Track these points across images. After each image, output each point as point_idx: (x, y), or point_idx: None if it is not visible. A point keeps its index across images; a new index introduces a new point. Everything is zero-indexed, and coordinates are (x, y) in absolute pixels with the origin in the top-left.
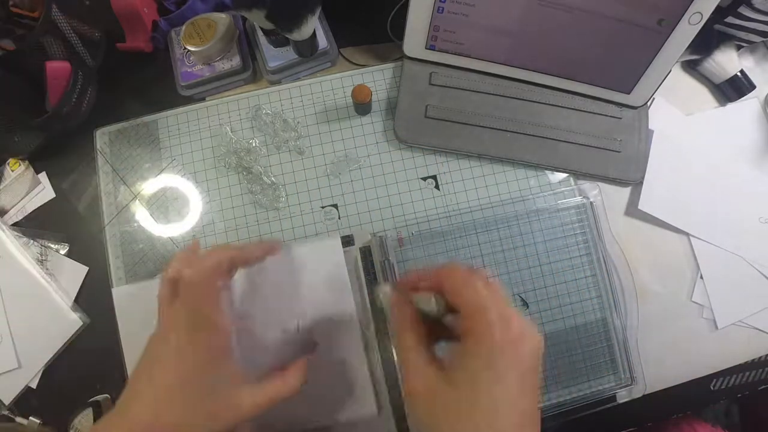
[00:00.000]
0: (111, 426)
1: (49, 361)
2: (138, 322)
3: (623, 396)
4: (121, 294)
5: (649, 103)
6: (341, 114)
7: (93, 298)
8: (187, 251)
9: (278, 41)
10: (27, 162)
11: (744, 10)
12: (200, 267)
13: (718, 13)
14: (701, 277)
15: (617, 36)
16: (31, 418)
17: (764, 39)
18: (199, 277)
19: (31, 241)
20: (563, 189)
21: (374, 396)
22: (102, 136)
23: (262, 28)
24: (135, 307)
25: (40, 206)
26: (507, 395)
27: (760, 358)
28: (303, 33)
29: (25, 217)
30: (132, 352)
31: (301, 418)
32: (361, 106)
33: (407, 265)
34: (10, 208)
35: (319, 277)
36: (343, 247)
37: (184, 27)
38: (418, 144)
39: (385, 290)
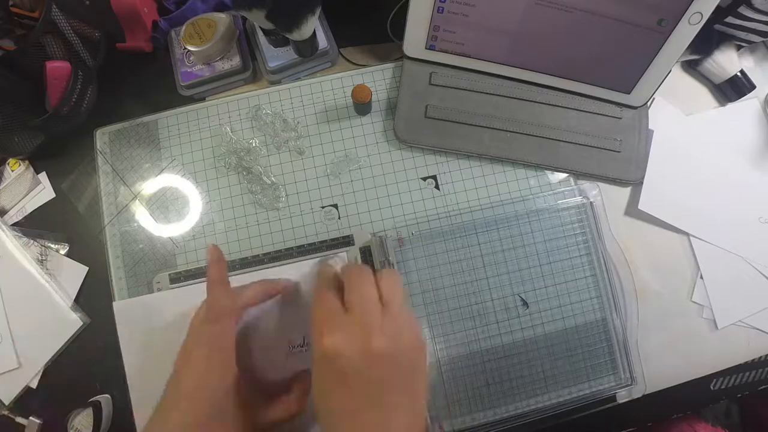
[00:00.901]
0: None
1: (49, 361)
2: (139, 335)
3: (623, 396)
4: (122, 308)
5: (649, 103)
6: (341, 114)
7: (93, 298)
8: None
9: (278, 41)
10: (27, 162)
11: (744, 10)
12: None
13: (718, 13)
14: (701, 277)
15: (617, 36)
16: (31, 417)
17: (764, 39)
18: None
19: (31, 241)
20: (563, 189)
21: None
22: (102, 136)
23: (262, 28)
24: (136, 321)
25: (40, 206)
26: None
27: (760, 358)
28: (303, 33)
29: (25, 217)
30: (133, 366)
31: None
32: (361, 106)
33: (407, 265)
34: (10, 208)
35: None
36: (343, 247)
37: (184, 27)
38: (418, 144)
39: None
